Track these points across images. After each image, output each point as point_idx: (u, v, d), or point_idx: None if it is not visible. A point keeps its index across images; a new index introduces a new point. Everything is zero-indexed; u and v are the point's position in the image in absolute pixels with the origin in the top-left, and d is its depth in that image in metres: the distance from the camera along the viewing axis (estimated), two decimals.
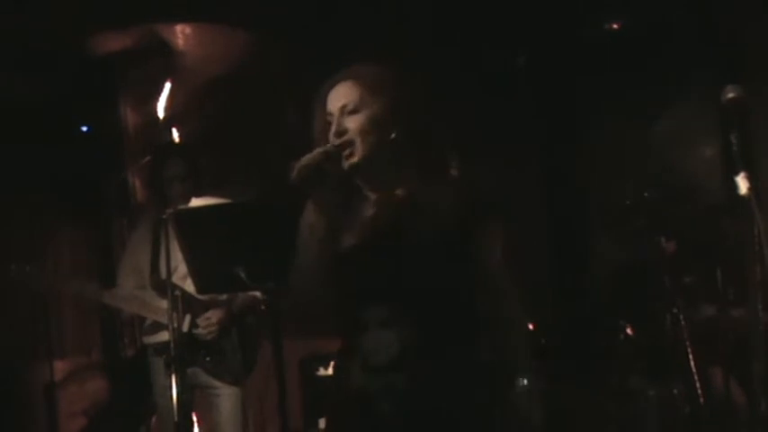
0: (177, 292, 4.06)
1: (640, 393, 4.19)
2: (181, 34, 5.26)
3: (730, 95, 2.80)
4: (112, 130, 5.29)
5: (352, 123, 2.55)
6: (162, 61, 5.24)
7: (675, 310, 3.93)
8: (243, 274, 3.47)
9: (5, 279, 4.13)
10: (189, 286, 4.08)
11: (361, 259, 2.56)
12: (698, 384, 3.94)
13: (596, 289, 4.69)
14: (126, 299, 4.29)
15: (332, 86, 2.63)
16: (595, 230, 4.76)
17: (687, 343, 3.93)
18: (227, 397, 4.22)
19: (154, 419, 4.80)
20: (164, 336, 4.12)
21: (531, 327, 4.18)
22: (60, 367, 5.34)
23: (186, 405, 4.14)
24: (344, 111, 2.57)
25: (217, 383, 4.24)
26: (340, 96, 2.59)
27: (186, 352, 4.07)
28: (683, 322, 3.91)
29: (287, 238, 2.67)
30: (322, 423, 4.98)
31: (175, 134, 5.10)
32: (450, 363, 2.49)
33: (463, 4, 4.82)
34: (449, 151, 2.71)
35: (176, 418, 3.77)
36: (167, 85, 5.16)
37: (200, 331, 4.23)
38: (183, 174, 4.21)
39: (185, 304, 4.18)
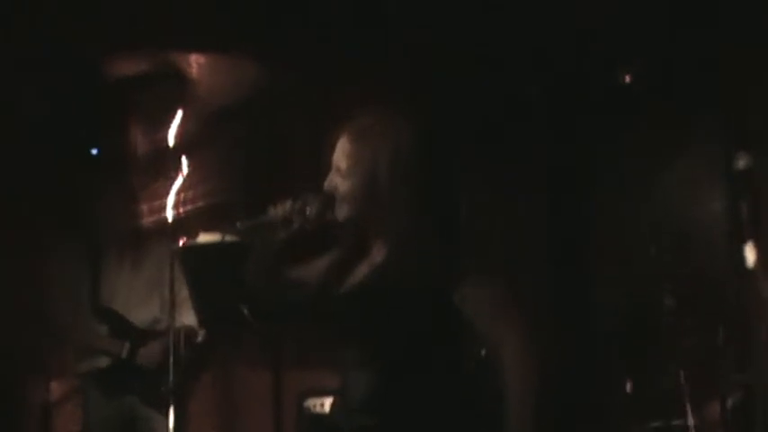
0: (116, 320, 4.16)
1: None
2: (195, 63, 5.28)
3: (742, 164, 2.82)
4: (121, 154, 5.29)
5: (343, 185, 2.65)
6: (174, 89, 5.25)
7: (676, 368, 3.94)
8: (246, 311, 3.51)
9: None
10: (131, 314, 4.15)
11: (339, 304, 2.63)
12: None
13: (598, 343, 4.68)
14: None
15: (338, 137, 2.72)
16: (598, 283, 4.76)
17: (687, 401, 3.93)
18: (161, 427, 4.20)
19: None
20: (101, 363, 4.19)
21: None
22: (57, 387, 5.34)
23: None
24: (338, 170, 2.66)
25: (153, 413, 4.24)
26: (338, 154, 2.69)
27: (123, 379, 4.15)
28: (683, 381, 3.91)
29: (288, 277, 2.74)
30: None
31: (185, 163, 5.11)
32: (425, 406, 2.54)
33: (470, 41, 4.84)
34: (439, 211, 2.79)
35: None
36: (179, 113, 5.17)
37: (138, 360, 4.26)
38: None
39: (125, 332, 4.24)
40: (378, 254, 2.69)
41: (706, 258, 3.98)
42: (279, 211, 2.75)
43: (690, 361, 4.03)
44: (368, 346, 2.65)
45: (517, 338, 2.59)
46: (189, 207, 5.19)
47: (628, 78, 4.49)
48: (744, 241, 2.71)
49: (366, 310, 2.65)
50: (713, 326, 3.86)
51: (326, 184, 2.72)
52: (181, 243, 4.08)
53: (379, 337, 2.62)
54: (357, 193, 2.67)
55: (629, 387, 4.15)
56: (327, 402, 5.08)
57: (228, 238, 3.79)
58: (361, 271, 2.72)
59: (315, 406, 5.11)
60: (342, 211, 2.69)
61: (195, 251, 3.90)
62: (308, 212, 2.72)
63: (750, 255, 2.68)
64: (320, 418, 5.06)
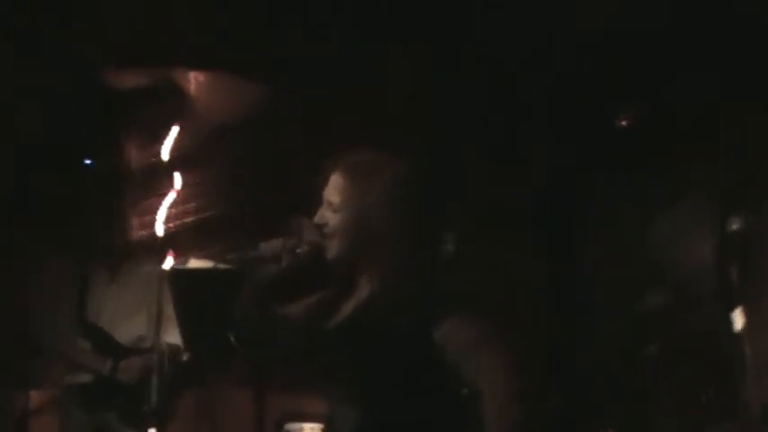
0: (100, 336, 4.15)
1: None
2: (194, 80, 5.28)
3: (734, 227, 2.83)
4: (115, 167, 5.29)
5: (334, 220, 2.66)
6: (172, 105, 5.25)
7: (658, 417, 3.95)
8: (233, 338, 3.51)
9: None
10: (115, 332, 4.15)
11: (326, 338, 2.64)
12: None
13: (581, 389, 4.69)
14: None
15: (331, 172, 2.74)
16: (583, 329, 4.77)
17: None
18: None
19: None
20: (82, 378, 4.19)
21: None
22: (36, 396, 5.31)
23: None
24: (330, 204, 2.67)
25: (128, 431, 4.24)
26: (330, 188, 2.71)
27: (103, 395, 4.15)
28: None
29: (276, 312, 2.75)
30: None
31: (178, 179, 5.11)
32: None
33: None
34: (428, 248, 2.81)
35: None
36: (175, 129, 5.17)
37: (120, 377, 4.25)
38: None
39: (109, 348, 4.24)
40: (364, 290, 2.70)
41: (694, 315, 4.00)
42: (270, 247, 2.76)
43: (671, 412, 4.05)
44: (354, 381, 2.66)
45: (500, 378, 2.61)
46: (179, 223, 5.20)
47: (624, 122, 4.50)
48: (733, 305, 2.72)
49: (352, 345, 2.66)
50: (698, 381, 3.87)
51: (317, 219, 2.73)
52: (170, 265, 4.08)
53: (366, 372, 2.64)
54: (348, 227, 2.68)
55: None
56: (307, 427, 5.07)
57: (219, 265, 3.79)
58: (349, 307, 2.73)
59: (295, 430, 5.10)
60: (332, 249, 2.70)
61: (185, 273, 3.89)
62: (298, 251, 2.73)
63: (738, 319, 2.71)
64: None
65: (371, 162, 2.76)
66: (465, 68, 4.72)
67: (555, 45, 4.44)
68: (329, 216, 2.71)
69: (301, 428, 5.09)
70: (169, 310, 4.29)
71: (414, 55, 4.82)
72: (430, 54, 4.84)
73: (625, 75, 4.30)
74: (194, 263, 3.85)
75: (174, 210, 4.72)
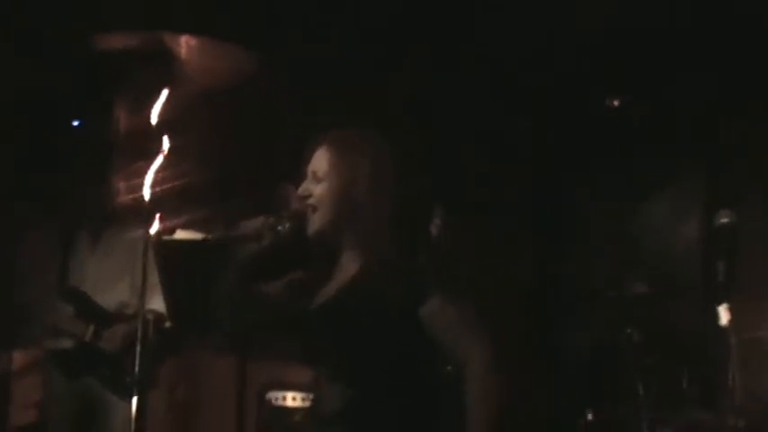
0: (83, 301, 4.14)
1: None
2: (185, 44, 5.21)
3: (723, 221, 2.82)
4: (102, 131, 5.24)
5: (318, 189, 2.65)
6: (162, 68, 5.19)
7: (640, 404, 3.97)
8: (216, 313, 3.50)
9: None
10: (99, 297, 4.13)
11: (315, 317, 2.64)
12: None
13: (563, 373, 4.71)
14: None
15: (315, 147, 2.73)
16: (567, 313, 4.79)
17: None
18: (120, 411, 4.21)
19: None
20: (64, 344, 4.18)
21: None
22: (19, 357, 5.31)
23: (79, 416, 4.21)
24: (315, 176, 2.66)
25: (110, 397, 4.22)
26: (314, 161, 2.69)
27: (85, 361, 4.14)
28: (645, 415, 3.95)
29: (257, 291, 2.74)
30: None
31: (166, 143, 5.07)
32: (394, 419, 2.56)
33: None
34: (416, 225, 2.81)
35: None
36: (164, 93, 5.11)
37: (102, 343, 4.24)
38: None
39: (92, 314, 4.22)
40: (349, 268, 2.70)
41: (678, 303, 4.01)
42: (250, 225, 2.74)
43: (650, 391, 4.07)
44: (339, 360, 2.67)
45: (482, 356, 2.61)
46: (166, 189, 5.15)
47: (616, 103, 4.48)
48: (718, 298, 2.73)
49: (336, 324, 2.66)
50: (679, 367, 3.89)
51: (301, 191, 2.72)
52: (156, 231, 4.05)
53: (350, 351, 2.64)
54: (331, 197, 2.67)
55: (590, 416, 4.18)
56: (289, 396, 5.10)
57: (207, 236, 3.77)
58: (333, 286, 2.73)
59: (276, 399, 5.13)
60: (315, 221, 2.68)
61: (172, 243, 3.87)
62: (279, 229, 2.72)
63: (724, 315, 2.71)
64: (281, 410, 5.09)
65: (359, 137, 2.75)
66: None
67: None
68: (313, 188, 2.70)
69: (284, 397, 5.12)
70: (154, 278, 4.29)
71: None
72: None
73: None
74: (181, 233, 3.83)
75: (161, 174, 4.68)
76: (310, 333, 2.73)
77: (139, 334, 4.00)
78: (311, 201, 2.71)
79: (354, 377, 2.63)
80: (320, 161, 2.72)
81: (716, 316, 2.74)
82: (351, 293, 2.65)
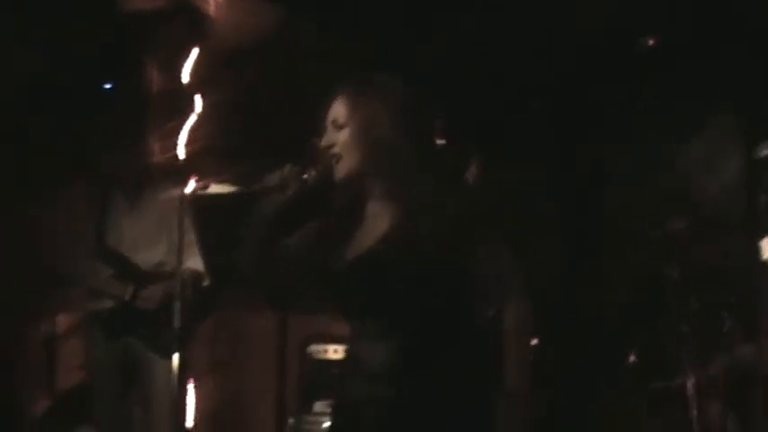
0: (121, 261, 4.15)
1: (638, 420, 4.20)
2: (212, 1, 5.19)
3: (764, 153, 2.76)
4: (135, 90, 5.23)
5: (341, 137, 2.59)
6: (191, 27, 5.17)
7: (682, 344, 3.94)
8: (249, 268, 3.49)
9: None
10: (136, 257, 4.14)
11: (350, 272, 2.60)
12: (695, 415, 3.96)
13: (605, 314, 4.67)
14: None
15: (333, 96, 2.68)
16: (607, 254, 4.74)
17: (690, 375, 3.94)
18: (161, 369, 4.22)
19: None
20: (105, 305, 4.20)
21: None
22: (63, 321, 5.36)
23: (122, 375, 4.24)
24: (335, 124, 2.62)
25: (152, 355, 4.24)
26: (333, 109, 2.64)
27: (126, 321, 4.17)
28: (687, 354, 3.92)
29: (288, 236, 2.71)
30: (318, 406, 5.02)
31: (198, 102, 5.06)
32: (438, 378, 2.53)
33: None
34: (445, 167, 2.74)
35: None
36: (194, 51, 5.09)
37: (141, 302, 4.26)
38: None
39: (130, 274, 4.23)
40: (380, 216, 2.64)
41: (720, 242, 3.95)
42: (275, 177, 2.69)
43: (693, 331, 4.03)
44: (377, 311, 2.63)
45: (524, 297, 2.57)
46: (200, 148, 5.15)
47: (650, 42, 4.38)
48: (760, 233, 2.67)
49: (372, 274, 2.61)
50: (722, 306, 3.85)
51: (324, 142, 2.66)
52: (191, 188, 4.05)
53: (389, 304, 2.60)
54: (355, 142, 2.60)
55: (632, 356, 4.15)
56: (331, 349, 5.11)
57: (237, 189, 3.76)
58: (365, 235, 2.67)
59: (318, 352, 5.14)
60: (341, 168, 2.62)
61: (206, 197, 3.87)
62: (305, 176, 2.66)
63: (766, 248, 2.65)
64: (323, 363, 5.10)
65: (377, 81, 2.69)
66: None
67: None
68: (335, 136, 2.64)
69: (325, 350, 5.13)
70: (190, 236, 4.30)
71: None
72: None
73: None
74: (215, 188, 3.83)
75: (194, 133, 4.67)
76: (346, 285, 2.68)
77: (178, 292, 4.03)
78: (335, 150, 2.65)
79: (393, 328, 2.59)
80: (339, 108, 2.66)
81: (758, 251, 2.68)
82: (384, 242, 2.60)
